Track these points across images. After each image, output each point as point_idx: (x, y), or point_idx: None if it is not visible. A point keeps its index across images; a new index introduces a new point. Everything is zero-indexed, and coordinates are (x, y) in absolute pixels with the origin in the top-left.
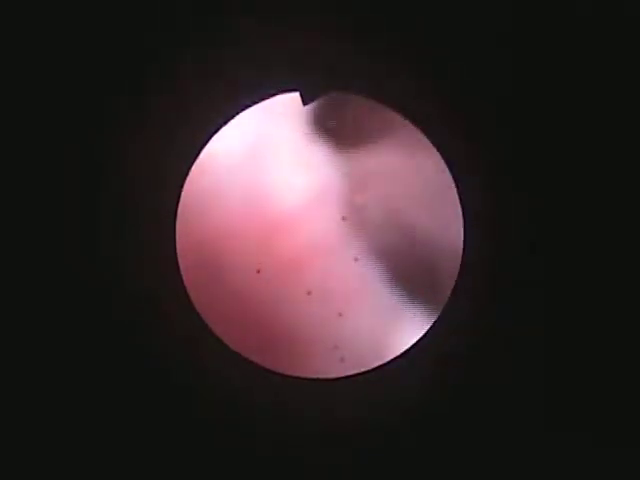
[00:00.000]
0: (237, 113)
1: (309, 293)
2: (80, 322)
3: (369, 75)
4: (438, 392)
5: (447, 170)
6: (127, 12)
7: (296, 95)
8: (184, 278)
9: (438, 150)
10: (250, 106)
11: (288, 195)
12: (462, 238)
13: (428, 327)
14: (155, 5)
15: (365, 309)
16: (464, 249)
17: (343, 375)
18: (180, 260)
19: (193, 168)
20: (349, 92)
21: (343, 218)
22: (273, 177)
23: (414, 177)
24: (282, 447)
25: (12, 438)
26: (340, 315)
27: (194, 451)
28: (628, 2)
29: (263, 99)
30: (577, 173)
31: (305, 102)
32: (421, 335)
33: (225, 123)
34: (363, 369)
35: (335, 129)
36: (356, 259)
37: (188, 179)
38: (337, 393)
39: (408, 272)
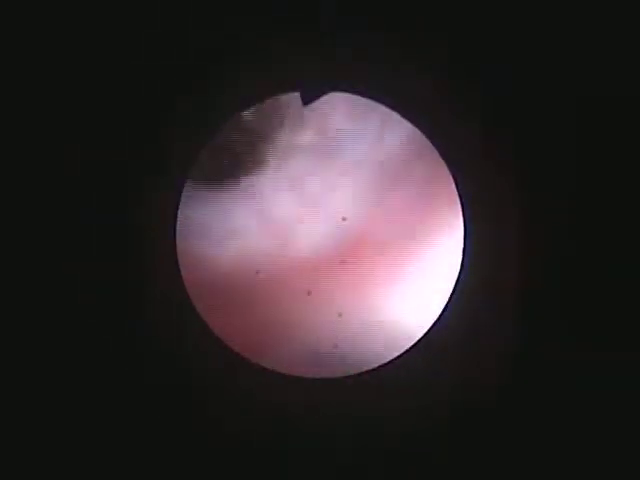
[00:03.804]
0: (237, 113)
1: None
2: (80, 322)
3: (369, 75)
4: (438, 392)
5: (447, 170)
6: (130, 15)
7: (296, 95)
8: (184, 278)
9: (438, 150)
10: (250, 106)
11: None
12: (462, 238)
13: (428, 327)
14: (155, 7)
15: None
16: (464, 249)
17: (343, 375)
18: (180, 260)
19: (194, 168)
20: (349, 92)
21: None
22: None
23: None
24: (282, 446)
25: (12, 436)
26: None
27: (194, 450)
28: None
29: (263, 99)
30: (577, 173)
31: (305, 102)
32: (421, 335)
33: (226, 122)
34: (363, 369)
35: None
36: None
37: (189, 179)
38: (337, 393)
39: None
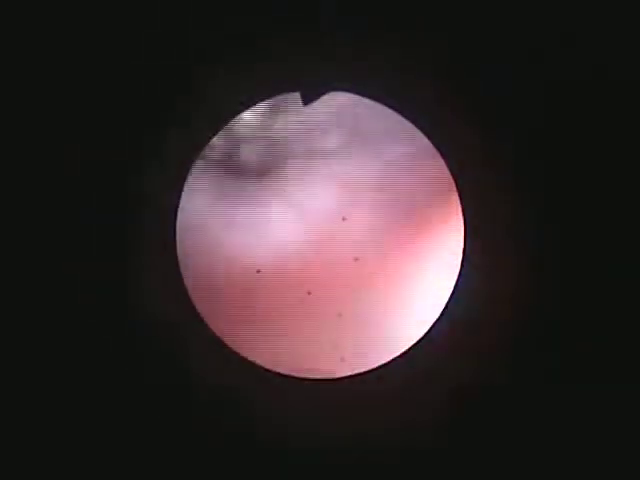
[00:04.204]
0: (238, 113)
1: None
2: (80, 322)
3: (369, 75)
4: (438, 392)
5: (447, 170)
6: (130, 15)
7: (296, 95)
8: (184, 278)
9: (438, 150)
10: (250, 106)
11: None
12: (462, 238)
13: (428, 327)
14: (155, 7)
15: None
16: (464, 249)
17: (343, 375)
18: (180, 260)
19: (194, 168)
20: (349, 92)
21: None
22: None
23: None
24: (282, 446)
25: (12, 435)
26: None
27: (194, 450)
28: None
29: (263, 99)
30: (577, 173)
31: (305, 102)
32: (421, 335)
33: (226, 123)
34: (363, 369)
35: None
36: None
37: (189, 178)
38: (337, 393)
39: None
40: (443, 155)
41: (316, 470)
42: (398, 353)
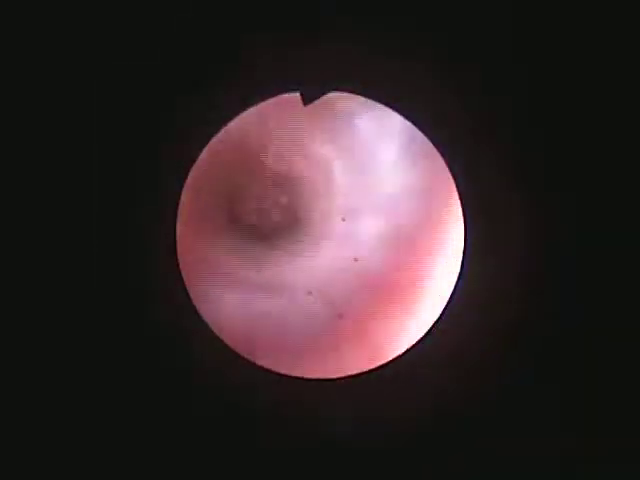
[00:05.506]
0: (238, 112)
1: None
2: (80, 323)
3: (369, 75)
4: (438, 392)
5: (447, 170)
6: (130, 15)
7: (296, 95)
8: (184, 278)
9: (438, 150)
10: (251, 106)
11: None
12: (462, 238)
13: (428, 327)
14: (155, 7)
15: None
16: (464, 249)
17: (343, 375)
18: (180, 260)
19: (194, 167)
20: (349, 92)
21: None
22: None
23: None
24: (282, 446)
25: (11, 436)
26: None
27: (194, 450)
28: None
29: (264, 99)
30: (578, 172)
31: (305, 102)
32: (421, 335)
33: (226, 122)
34: (363, 369)
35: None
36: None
37: (189, 178)
38: (337, 393)
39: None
40: (443, 155)
41: (316, 470)
42: (398, 353)
